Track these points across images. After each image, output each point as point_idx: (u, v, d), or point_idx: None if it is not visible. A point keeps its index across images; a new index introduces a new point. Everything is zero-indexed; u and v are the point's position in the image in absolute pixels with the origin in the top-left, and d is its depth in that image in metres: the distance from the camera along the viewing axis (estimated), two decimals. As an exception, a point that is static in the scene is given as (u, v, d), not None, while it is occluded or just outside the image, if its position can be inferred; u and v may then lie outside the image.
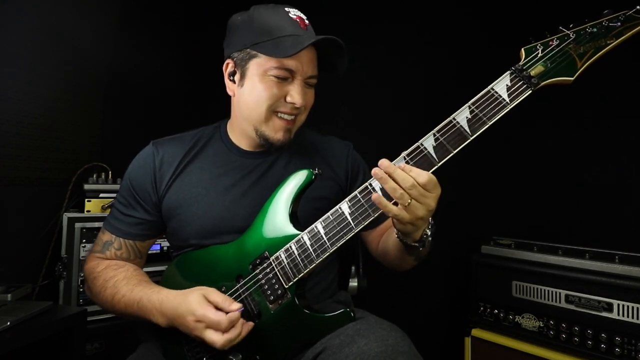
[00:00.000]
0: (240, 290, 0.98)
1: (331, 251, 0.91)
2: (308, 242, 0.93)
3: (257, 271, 0.98)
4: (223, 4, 1.58)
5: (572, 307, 1.49)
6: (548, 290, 1.55)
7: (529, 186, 1.99)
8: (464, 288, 1.89)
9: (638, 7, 0.85)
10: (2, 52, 1.53)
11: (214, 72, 1.31)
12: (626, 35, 0.85)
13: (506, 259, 1.69)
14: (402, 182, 0.81)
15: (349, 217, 0.91)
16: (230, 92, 1.12)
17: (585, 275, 1.47)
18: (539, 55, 0.89)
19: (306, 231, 0.94)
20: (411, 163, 0.87)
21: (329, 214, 0.93)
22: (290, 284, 0.94)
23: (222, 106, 1.22)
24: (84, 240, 1.60)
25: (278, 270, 0.96)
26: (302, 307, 0.94)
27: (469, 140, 0.86)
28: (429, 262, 1.11)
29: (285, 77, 1.03)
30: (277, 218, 0.99)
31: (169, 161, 1.11)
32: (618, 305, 1.40)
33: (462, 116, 0.87)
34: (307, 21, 1.06)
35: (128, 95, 2.09)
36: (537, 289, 1.58)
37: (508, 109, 0.86)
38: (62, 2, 1.76)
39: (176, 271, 1.09)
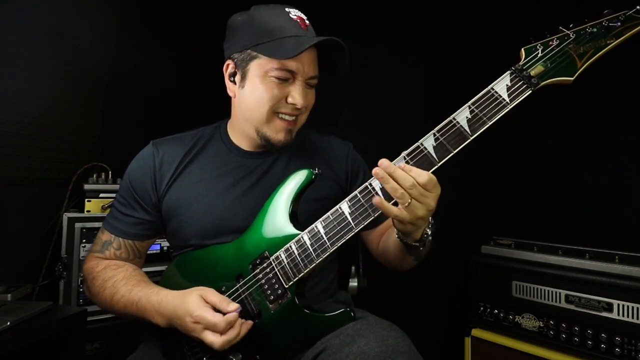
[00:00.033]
0: (240, 290, 0.98)
1: (331, 251, 0.91)
2: (308, 242, 0.93)
3: (257, 271, 0.98)
4: (223, 4, 1.58)
5: (572, 307, 1.49)
6: (548, 290, 1.55)
7: (529, 186, 1.99)
8: (464, 288, 1.89)
9: (638, 7, 0.85)
10: (2, 52, 1.53)
11: (214, 72, 1.31)
12: (626, 35, 0.85)
13: (506, 259, 1.69)
14: (403, 182, 0.81)
15: (349, 217, 0.91)
16: (230, 93, 1.12)
17: (585, 275, 1.47)
18: (539, 55, 0.89)
19: (306, 231, 0.94)
20: (411, 163, 0.87)
21: (329, 213, 0.93)
22: (290, 284, 0.94)
23: (222, 106, 1.22)
24: (84, 240, 1.60)
25: (278, 270, 0.96)
26: (302, 307, 0.94)
27: (469, 140, 0.87)
28: (429, 262, 1.11)
29: (286, 78, 1.02)
30: (277, 218, 0.99)
31: (169, 161, 1.11)
32: (618, 305, 1.39)
33: (462, 116, 0.88)
34: (307, 21, 1.06)
35: (128, 95, 2.09)
36: (537, 289, 1.58)
37: (508, 109, 0.86)
38: (62, 2, 1.76)
39: (176, 271, 1.09)
